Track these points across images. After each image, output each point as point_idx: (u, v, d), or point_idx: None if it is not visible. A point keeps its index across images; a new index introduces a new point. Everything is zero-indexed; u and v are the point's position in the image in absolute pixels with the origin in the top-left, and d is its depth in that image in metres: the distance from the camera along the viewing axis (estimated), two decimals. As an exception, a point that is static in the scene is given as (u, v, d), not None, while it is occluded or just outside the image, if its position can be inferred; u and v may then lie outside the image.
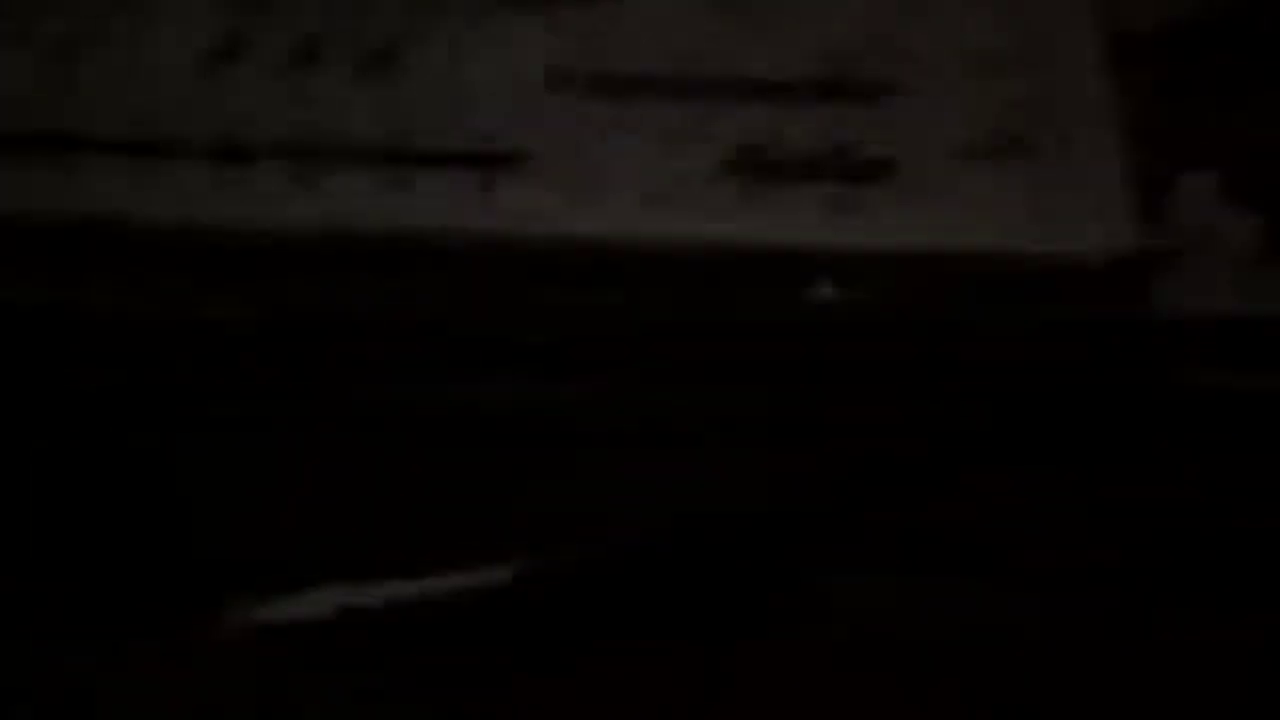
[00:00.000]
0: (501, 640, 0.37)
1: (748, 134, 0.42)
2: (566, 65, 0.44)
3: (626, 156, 0.42)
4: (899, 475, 0.40)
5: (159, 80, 0.43)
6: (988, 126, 0.43)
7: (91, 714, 0.37)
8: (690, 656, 0.37)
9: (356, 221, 0.41)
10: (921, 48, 0.44)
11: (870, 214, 0.41)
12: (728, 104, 0.43)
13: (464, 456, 0.39)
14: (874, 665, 0.38)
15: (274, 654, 0.37)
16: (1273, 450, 0.40)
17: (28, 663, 0.36)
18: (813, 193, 0.41)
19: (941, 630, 0.38)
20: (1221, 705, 0.37)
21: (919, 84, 0.44)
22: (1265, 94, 0.45)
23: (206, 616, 0.37)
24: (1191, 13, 0.46)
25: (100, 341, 0.40)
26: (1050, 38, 0.45)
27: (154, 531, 0.39)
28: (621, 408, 0.39)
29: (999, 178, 0.42)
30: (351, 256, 0.41)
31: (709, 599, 0.38)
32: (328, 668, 0.37)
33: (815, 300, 0.40)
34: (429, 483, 0.39)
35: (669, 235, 0.40)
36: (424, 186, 0.41)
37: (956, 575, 0.39)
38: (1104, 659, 0.38)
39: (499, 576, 0.37)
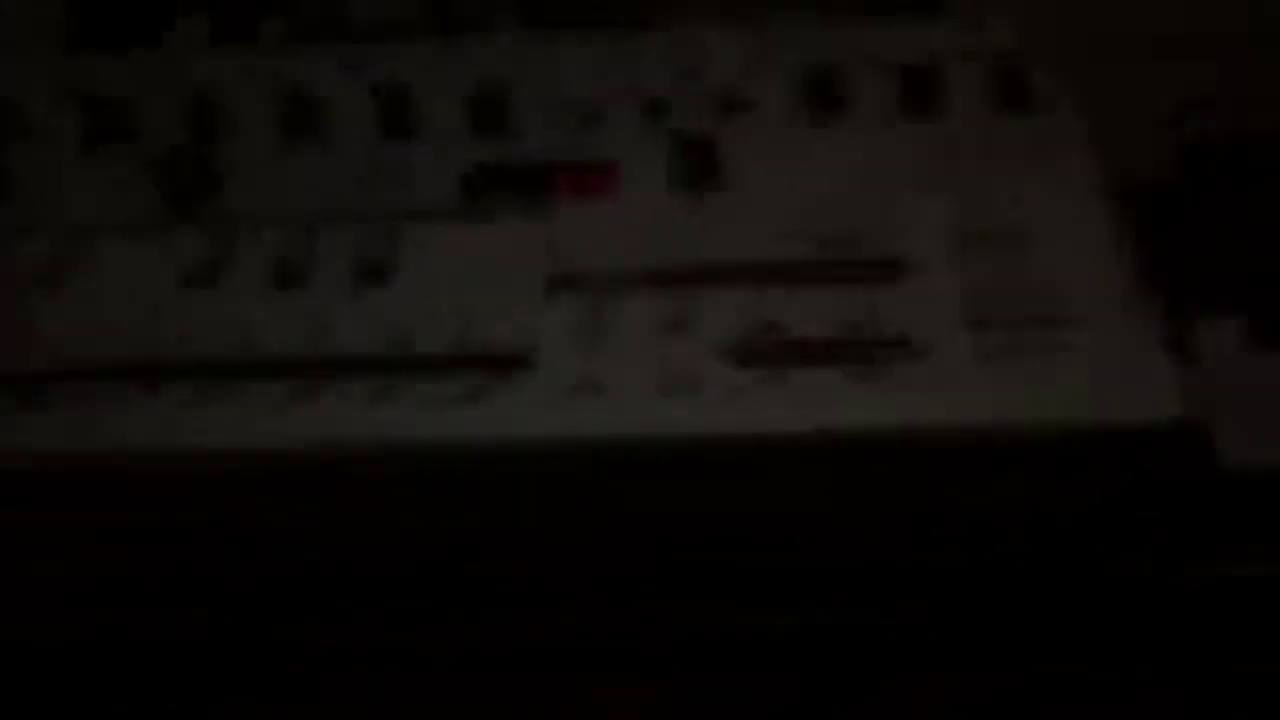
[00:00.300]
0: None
1: (752, 320, 0.41)
2: (564, 265, 0.43)
3: (632, 352, 0.40)
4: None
5: (145, 302, 0.42)
6: (998, 298, 0.41)
7: None
8: None
9: (351, 436, 0.39)
10: (919, 225, 0.44)
11: (891, 392, 0.39)
12: (727, 291, 0.42)
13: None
14: None
15: None
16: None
17: None
18: (827, 374, 0.39)
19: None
20: None
21: (923, 261, 0.42)
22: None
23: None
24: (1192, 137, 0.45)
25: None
26: (1052, 204, 0.44)
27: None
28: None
29: (1019, 350, 0.40)
30: (347, 473, 0.38)
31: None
32: None
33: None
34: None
35: (683, 428, 0.38)
36: (423, 394, 0.39)
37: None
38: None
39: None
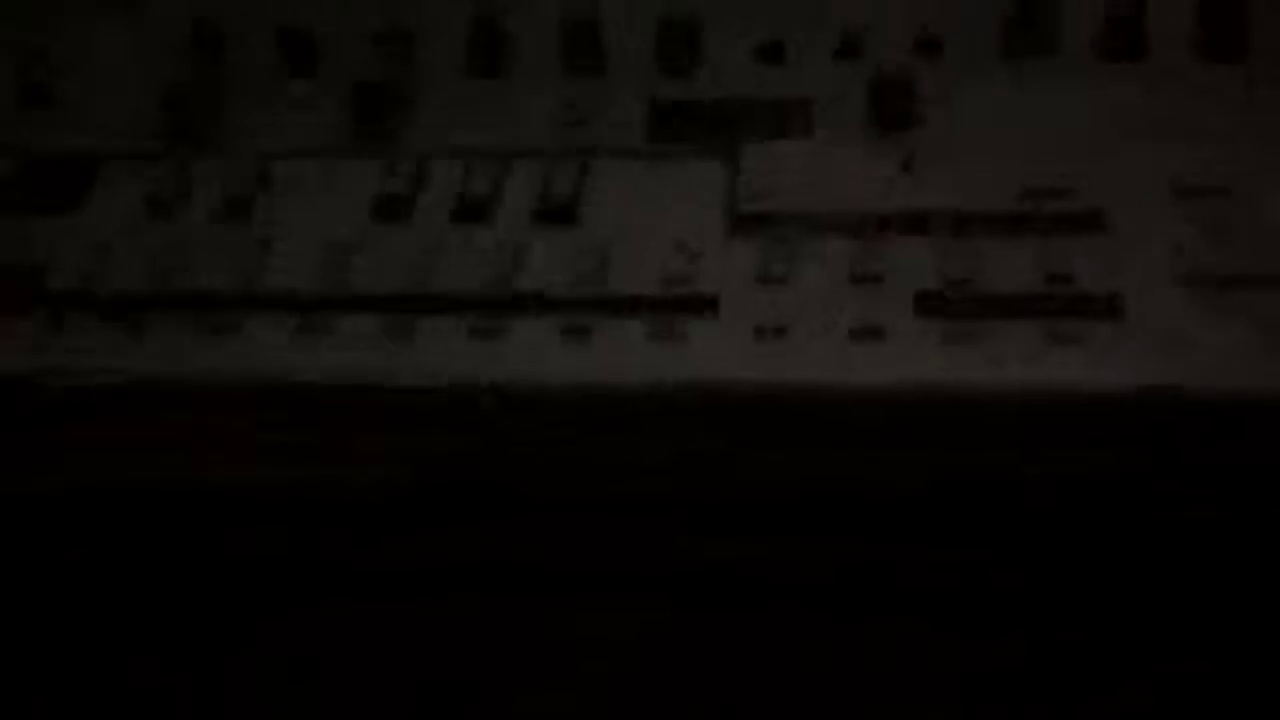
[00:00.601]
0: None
1: (946, 271, 0.39)
2: (750, 208, 0.42)
3: (819, 298, 0.39)
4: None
5: (332, 232, 0.42)
6: (1208, 257, 0.39)
7: None
8: None
9: (538, 374, 0.39)
10: (1125, 176, 0.41)
11: (1094, 351, 0.37)
12: (920, 240, 0.40)
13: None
14: None
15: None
16: None
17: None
18: (1026, 329, 0.38)
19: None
20: None
21: (1127, 215, 0.40)
22: None
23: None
24: None
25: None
26: (1268, 157, 0.41)
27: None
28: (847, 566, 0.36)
29: (1227, 310, 0.38)
30: (535, 411, 0.38)
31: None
32: None
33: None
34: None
35: (876, 380, 0.37)
36: (608, 335, 0.39)
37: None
38: None
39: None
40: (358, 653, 0.38)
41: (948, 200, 0.41)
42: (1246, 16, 0.44)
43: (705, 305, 0.39)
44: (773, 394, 0.37)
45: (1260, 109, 0.43)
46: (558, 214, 0.42)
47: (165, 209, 0.44)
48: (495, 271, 0.41)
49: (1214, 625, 0.37)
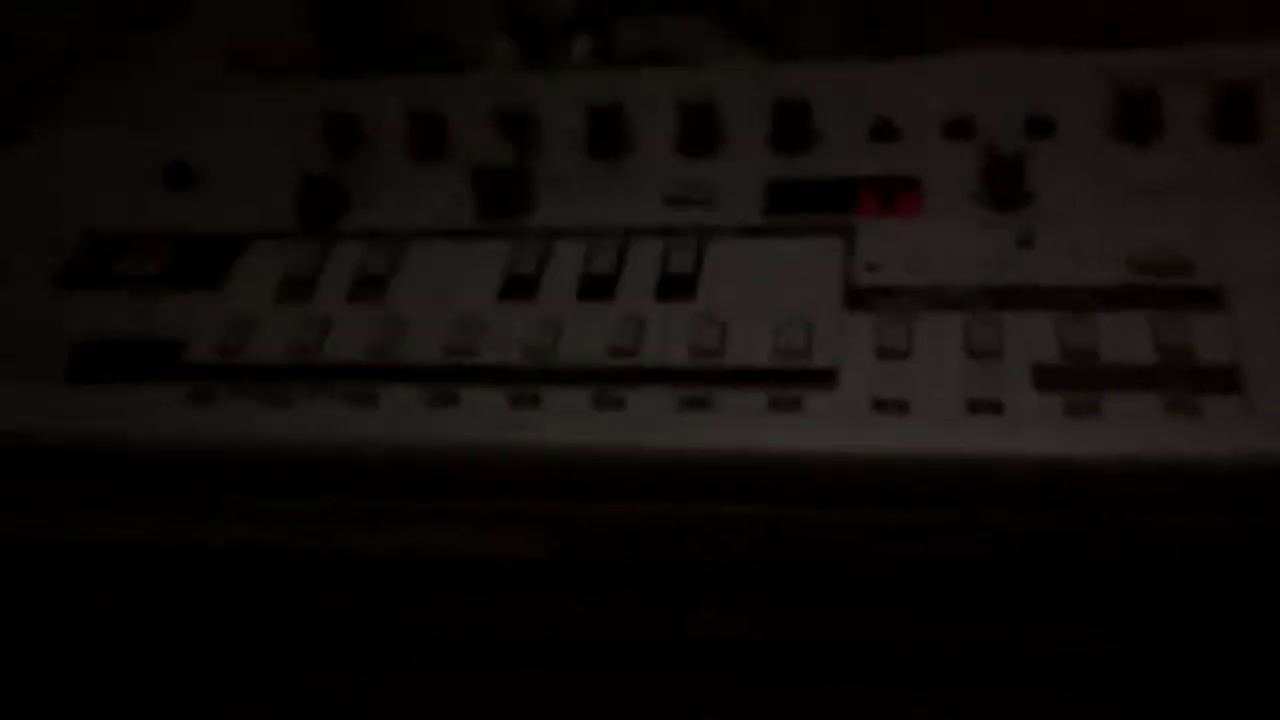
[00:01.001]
0: None
1: (1063, 344, 0.40)
2: (866, 282, 0.43)
3: (937, 371, 0.40)
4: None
5: (462, 310, 0.44)
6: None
7: None
8: None
9: (651, 443, 0.40)
10: (1238, 250, 0.42)
11: (1216, 424, 0.37)
12: (1036, 314, 0.41)
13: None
14: None
15: None
16: None
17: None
18: (1144, 403, 0.38)
19: None
20: None
21: (1244, 287, 0.41)
22: None
23: None
24: None
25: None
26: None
27: None
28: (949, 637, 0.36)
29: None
30: (649, 480, 0.39)
31: None
32: None
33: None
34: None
35: (996, 451, 0.38)
36: (728, 405, 0.40)
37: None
38: None
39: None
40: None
41: (1062, 276, 0.42)
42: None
43: (824, 378, 0.40)
44: (893, 465, 0.38)
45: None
46: (677, 288, 0.44)
47: (304, 287, 0.46)
48: (618, 344, 0.42)
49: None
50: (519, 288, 0.45)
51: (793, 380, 0.40)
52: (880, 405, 0.39)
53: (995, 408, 0.39)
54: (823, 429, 0.39)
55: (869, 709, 0.37)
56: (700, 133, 0.48)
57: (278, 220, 0.48)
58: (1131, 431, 0.37)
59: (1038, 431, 0.38)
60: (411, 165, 0.49)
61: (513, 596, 0.38)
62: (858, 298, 0.42)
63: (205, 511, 0.42)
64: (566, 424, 0.41)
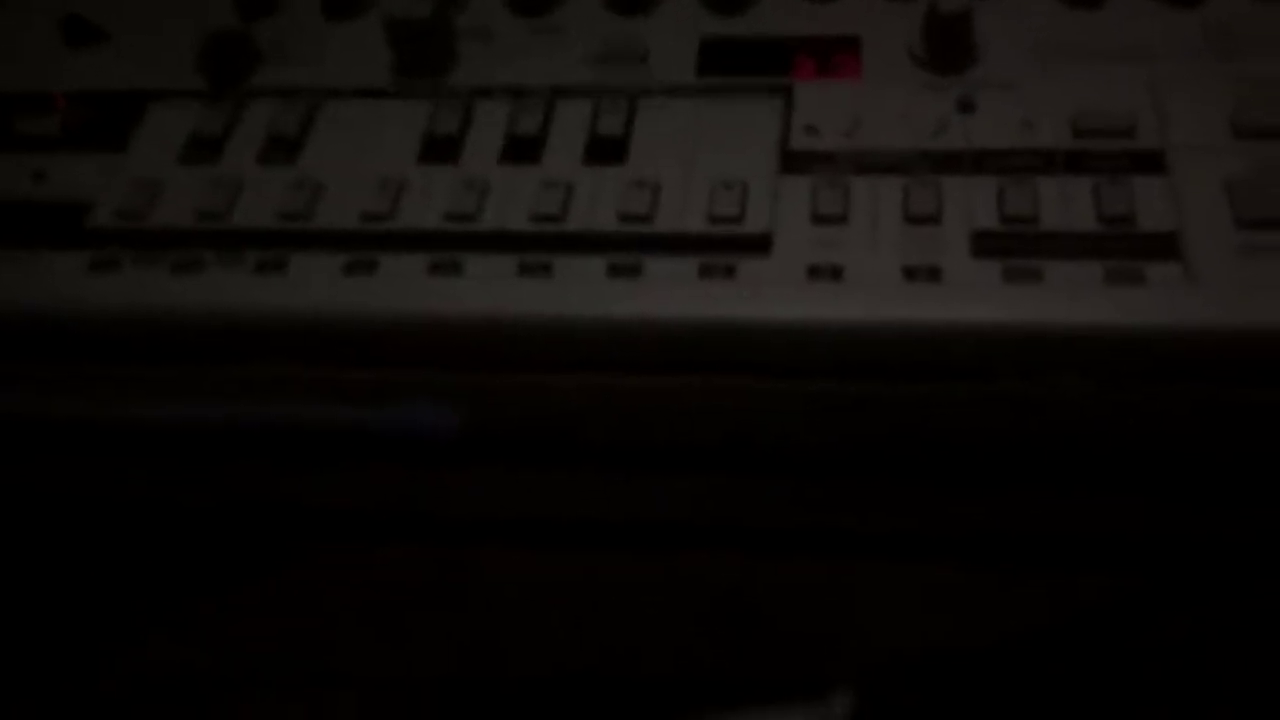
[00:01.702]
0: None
1: (1002, 210, 0.39)
2: (803, 145, 0.41)
3: (876, 237, 0.39)
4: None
5: (382, 172, 0.42)
6: (1271, 196, 0.38)
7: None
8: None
9: (579, 311, 0.38)
10: (1183, 115, 0.40)
11: (1159, 292, 0.36)
12: (977, 178, 0.40)
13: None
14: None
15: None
16: None
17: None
18: (1087, 270, 0.37)
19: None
20: None
21: (1188, 153, 0.40)
22: None
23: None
24: None
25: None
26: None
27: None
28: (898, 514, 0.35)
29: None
30: (580, 348, 0.38)
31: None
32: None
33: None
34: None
35: (933, 319, 0.37)
36: (659, 273, 0.39)
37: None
38: None
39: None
40: (398, 596, 0.38)
41: (1004, 139, 0.40)
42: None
43: (758, 243, 0.39)
44: (828, 333, 0.37)
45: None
46: (606, 152, 0.42)
47: (212, 148, 0.43)
48: (544, 210, 0.40)
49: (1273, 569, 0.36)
50: (440, 149, 0.42)
51: (726, 246, 0.39)
52: (815, 271, 0.38)
53: (933, 274, 0.38)
54: (756, 296, 0.38)
55: (797, 585, 0.36)
56: (630, -12, 0.46)
57: (183, 78, 0.46)
58: (1072, 299, 0.37)
59: (976, 298, 0.37)
60: (325, 19, 0.47)
61: (430, 471, 0.37)
62: (793, 161, 0.41)
63: (108, 384, 0.40)
64: (490, 292, 0.39)
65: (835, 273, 0.38)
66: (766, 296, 0.38)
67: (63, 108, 0.46)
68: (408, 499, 0.37)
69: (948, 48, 0.43)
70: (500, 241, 0.40)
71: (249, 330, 0.39)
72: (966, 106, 0.42)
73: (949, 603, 0.35)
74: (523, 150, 0.42)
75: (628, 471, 0.36)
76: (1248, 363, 0.36)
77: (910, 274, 0.38)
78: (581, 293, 0.38)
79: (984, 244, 0.38)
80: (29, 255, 0.42)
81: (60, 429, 0.39)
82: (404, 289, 0.39)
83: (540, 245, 0.40)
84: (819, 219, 0.39)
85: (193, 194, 0.42)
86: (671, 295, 0.38)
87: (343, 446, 0.37)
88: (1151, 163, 0.39)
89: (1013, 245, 0.38)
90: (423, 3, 0.44)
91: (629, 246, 0.39)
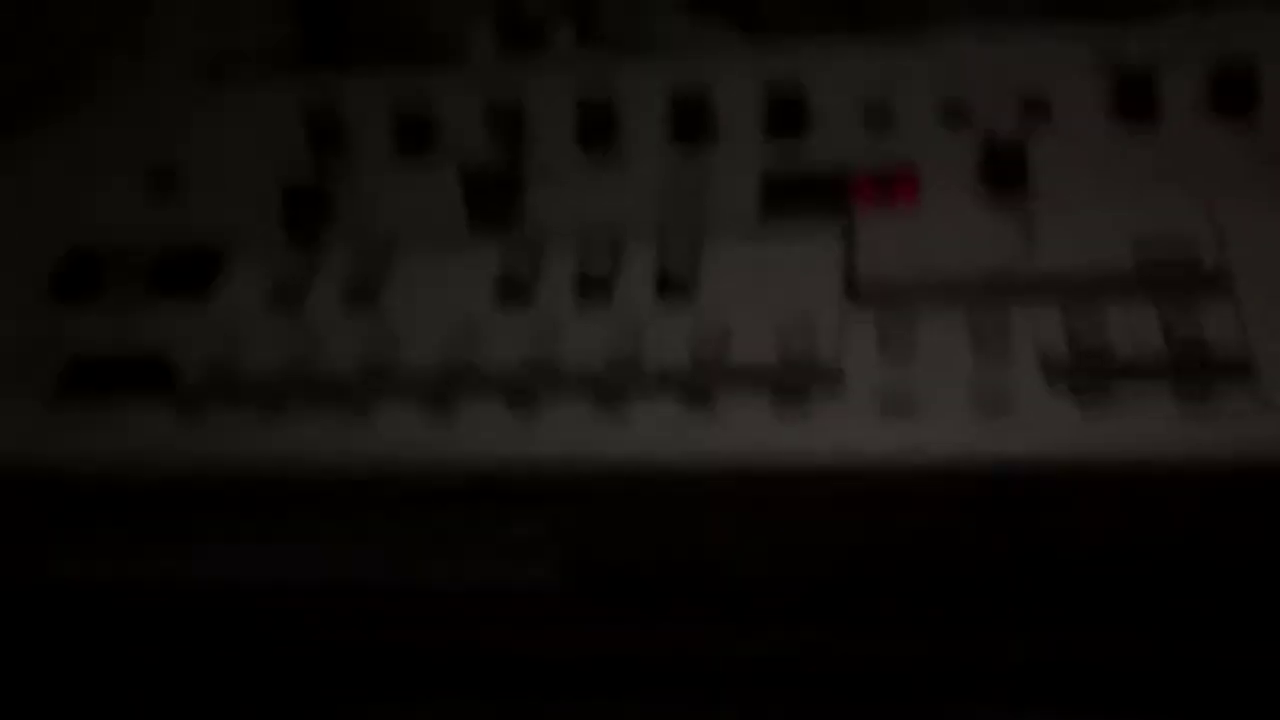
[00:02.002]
0: None
1: (1070, 336, 0.39)
2: (868, 276, 0.42)
3: (946, 368, 0.39)
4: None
5: (458, 315, 0.43)
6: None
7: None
8: None
9: (663, 451, 0.39)
10: (1245, 234, 0.41)
11: (1229, 416, 0.37)
12: (1042, 304, 0.40)
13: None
14: None
15: None
16: None
17: None
18: (1160, 396, 0.38)
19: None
20: None
21: (1254, 272, 0.40)
22: None
23: None
24: None
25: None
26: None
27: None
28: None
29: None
30: (663, 488, 0.39)
31: None
32: None
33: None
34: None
35: (1009, 452, 0.37)
36: (733, 408, 0.39)
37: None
38: None
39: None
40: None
41: (1067, 263, 0.41)
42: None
43: (830, 377, 0.40)
44: (904, 469, 0.37)
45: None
46: (675, 287, 0.43)
47: (294, 296, 0.45)
48: (618, 351, 0.41)
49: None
50: (514, 291, 0.44)
51: (798, 381, 0.40)
52: (888, 404, 0.39)
53: (1006, 405, 0.38)
54: (830, 431, 0.38)
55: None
56: (692, 124, 0.47)
57: (263, 228, 0.47)
58: (1145, 426, 0.37)
59: (1049, 429, 0.37)
60: (398, 166, 0.48)
61: (524, 617, 0.38)
62: (859, 292, 0.42)
63: (201, 538, 0.41)
64: (568, 434, 0.40)
65: (908, 405, 0.39)
66: (841, 431, 0.38)
67: (148, 259, 0.47)
68: (506, 645, 0.38)
69: (1005, 173, 0.43)
70: (577, 383, 0.41)
71: (334, 478, 0.40)
72: (1026, 232, 0.42)
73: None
74: (594, 289, 0.43)
75: (710, 618, 0.37)
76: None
77: (982, 405, 0.38)
78: (658, 432, 0.39)
79: (1055, 372, 0.39)
80: (116, 407, 0.43)
81: (152, 589, 0.40)
82: (485, 434, 0.40)
83: (616, 384, 0.41)
84: (888, 350, 0.40)
85: (277, 342, 0.44)
86: (748, 432, 0.39)
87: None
88: (1218, 285, 0.40)
89: (1084, 373, 0.38)
90: (493, 149, 0.46)
91: (703, 384, 0.40)
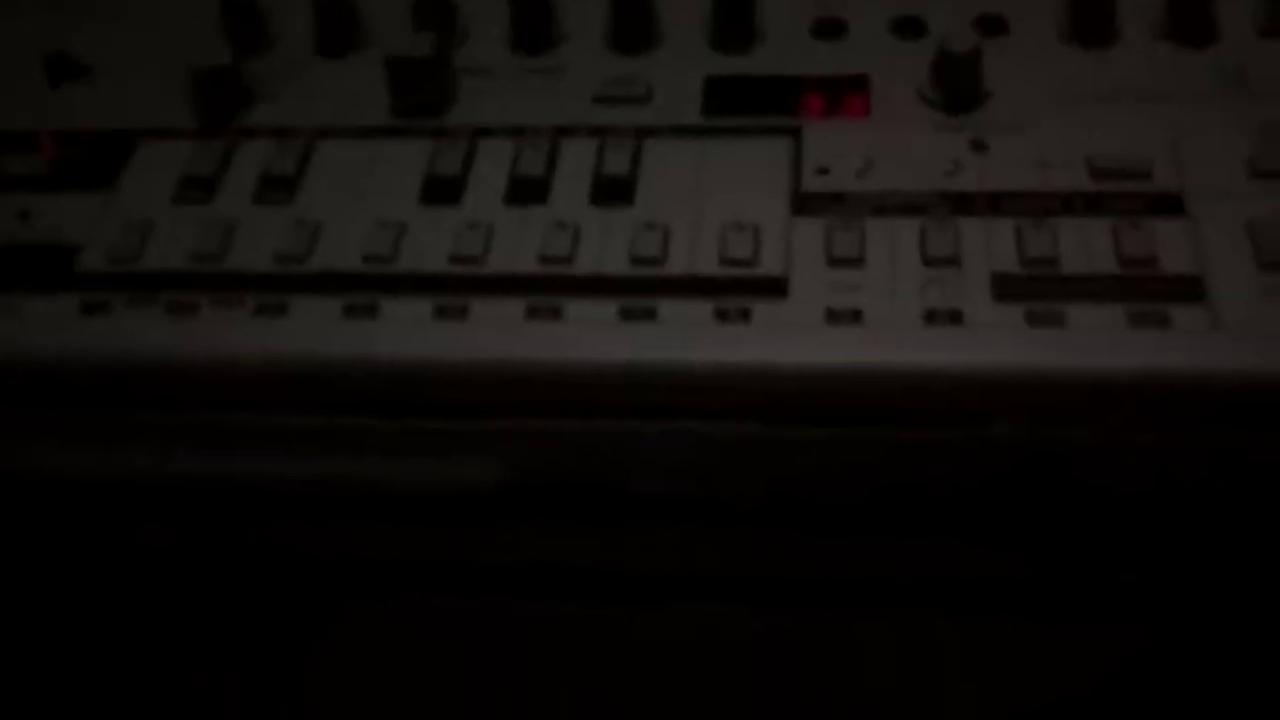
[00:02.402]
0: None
1: (1020, 253, 0.38)
2: (815, 187, 0.40)
3: (894, 280, 0.38)
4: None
5: (382, 214, 0.41)
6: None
7: None
8: None
9: (597, 355, 0.37)
10: (1201, 155, 0.40)
11: (1183, 336, 0.36)
12: (993, 221, 0.39)
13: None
14: None
15: None
16: None
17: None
18: (1105, 314, 0.36)
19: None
20: None
21: (1208, 194, 0.39)
22: None
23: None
24: None
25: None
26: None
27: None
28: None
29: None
30: (591, 393, 0.37)
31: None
32: None
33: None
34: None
35: (957, 364, 0.36)
36: (673, 316, 0.38)
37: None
38: None
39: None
40: (411, 653, 0.37)
41: (1019, 181, 0.40)
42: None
43: (773, 286, 0.38)
44: (849, 379, 0.36)
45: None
46: (613, 193, 0.41)
47: (206, 188, 0.42)
48: (552, 252, 0.39)
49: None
50: (442, 190, 0.41)
51: (741, 290, 0.38)
52: (834, 315, 0.37)
53: (954, 318, 0.37)
54: (773, 340, 0.37)
55: (815, 634, 0.35)
56: (634, 26, 0.45)
57: (173, 116, 0.44)
58: (1096, 343, 0.36)
59: (998, 344, 0.36)
60: (319, 57, 0.46)
61: (461, 522, 0.36)
62: (806, 203, 0.40)
63: (103, 432, 0.38)
64: (499, 336, 0.38)
65: (854, 316, 0.37)
66: (784, 340, 0.37)
67: (49, 147, 0.44)
68: (427, 550, 0.36)
69: (958, 87, 0.42)
70: (507, 285, 0.39)
71: (248, 375, 0.38)
72: (979, 147, 0.41)
73: (991, 661, 0.34)
74: (527, 191, 0.41)
75: (651, 522, 0.35)
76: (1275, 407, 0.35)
77: (931, 317, 0.37)
78: (594, 337, 0.37)
79: (1005, 287, 0.37)
80: (16, 299, 0.40)
81: (52, 480, 0.37)
82: (407, 333, 0.38)
83: (549, 289, 0.39)
84: (835, 262, 0.38)
85: (186, 235, 0.41)
86: (687, 339, 0.37)
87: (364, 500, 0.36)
88: (1171, 205, 0.39)
89: (1034, 288, 0.37)
90: (422, 39, 0.43)
91: (641, 290, 0.38)
